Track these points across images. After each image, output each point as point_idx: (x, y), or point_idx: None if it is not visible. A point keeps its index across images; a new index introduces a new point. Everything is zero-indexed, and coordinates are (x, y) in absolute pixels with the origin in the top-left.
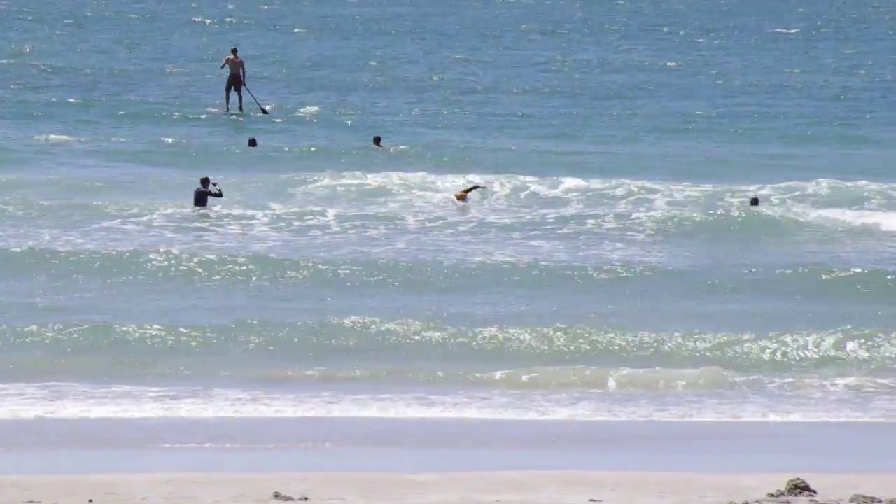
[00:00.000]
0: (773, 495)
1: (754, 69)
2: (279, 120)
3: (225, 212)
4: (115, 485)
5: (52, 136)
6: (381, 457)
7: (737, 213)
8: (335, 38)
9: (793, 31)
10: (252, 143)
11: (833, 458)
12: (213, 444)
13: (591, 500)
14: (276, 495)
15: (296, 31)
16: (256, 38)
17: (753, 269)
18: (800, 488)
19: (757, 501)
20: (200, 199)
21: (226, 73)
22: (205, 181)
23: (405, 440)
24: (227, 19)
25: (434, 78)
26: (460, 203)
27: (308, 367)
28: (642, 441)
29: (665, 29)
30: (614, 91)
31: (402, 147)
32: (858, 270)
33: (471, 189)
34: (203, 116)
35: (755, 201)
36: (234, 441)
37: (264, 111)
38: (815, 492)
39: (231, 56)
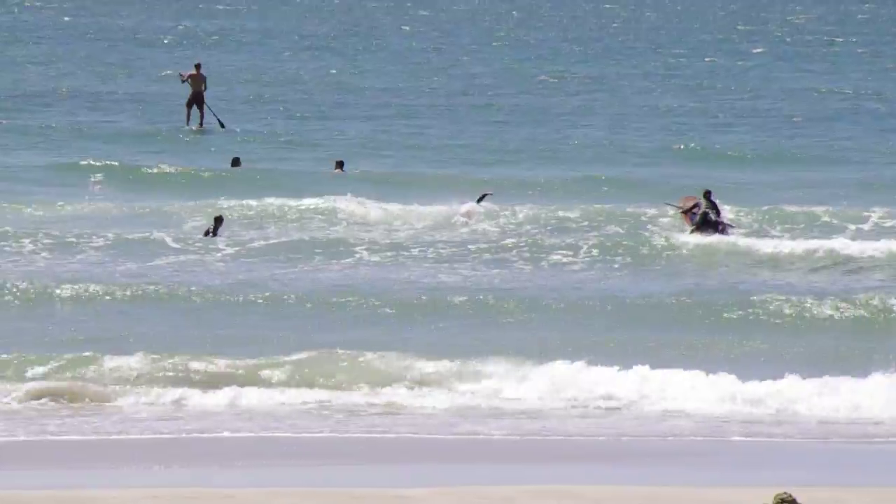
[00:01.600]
0: None
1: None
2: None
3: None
4: (99, 501)
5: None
6: (368, 471)
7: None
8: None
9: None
10: (235, 163)
11: (821, 473)
12: (201, 460)
13: None
14: None
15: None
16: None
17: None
18: (787, 503)
19: None
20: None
21: (188, 88)
22: (218, 219)
23: (392, 455)
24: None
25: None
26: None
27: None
28: (629, 455)
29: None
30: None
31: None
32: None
33: (482, 198)
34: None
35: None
36: (222, 457)
37: (222, 125)
38: None
39: (194, 71)
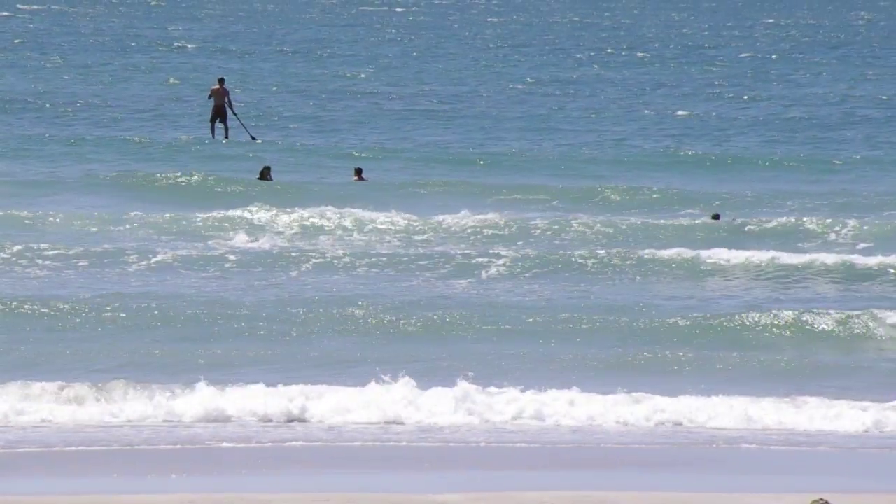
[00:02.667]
0: None
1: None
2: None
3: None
4: None
5: None
6: (401, 477)
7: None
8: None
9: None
10: (265, 173)
11: (855, 479)
12: (235, 466)
13: None
14: None
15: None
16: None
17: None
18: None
19: None
20: None
21: (211, 103)
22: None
23: (424, 461)
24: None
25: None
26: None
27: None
28: (659, 460)
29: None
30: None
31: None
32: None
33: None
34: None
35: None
36: (255, 462)
37: (254, 139)
38: None
39: (216, 86)
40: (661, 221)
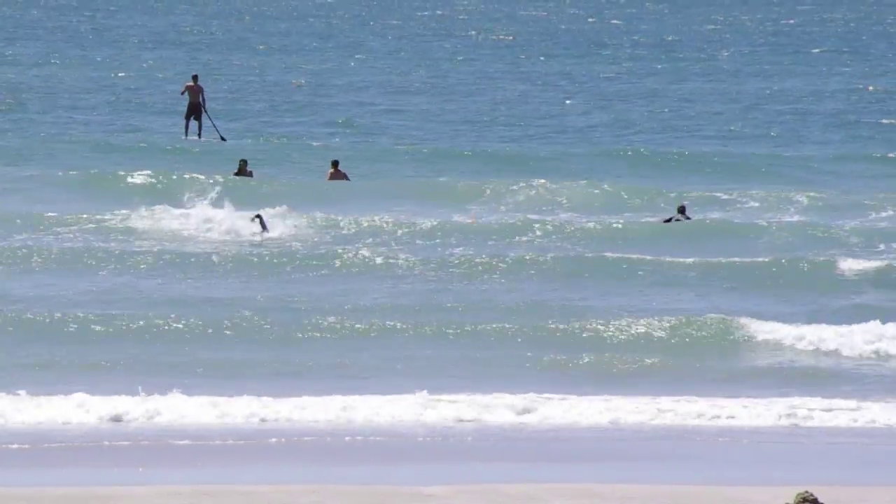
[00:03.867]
0: None
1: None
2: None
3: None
4: (121, 498)
5: None
6: (390, 469)
7: None
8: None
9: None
10: (242, 167)
11: (843, 472)
12: (222, 456)
13: None
14: None
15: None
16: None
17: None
18: (809, 502)
19: None
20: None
21: (185, 100)
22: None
23: (415, 452)
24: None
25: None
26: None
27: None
28: (648, 453)
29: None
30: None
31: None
32: None
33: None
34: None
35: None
36: (243, 453)
37: (223, 139)
38: None
39: (191, 83)
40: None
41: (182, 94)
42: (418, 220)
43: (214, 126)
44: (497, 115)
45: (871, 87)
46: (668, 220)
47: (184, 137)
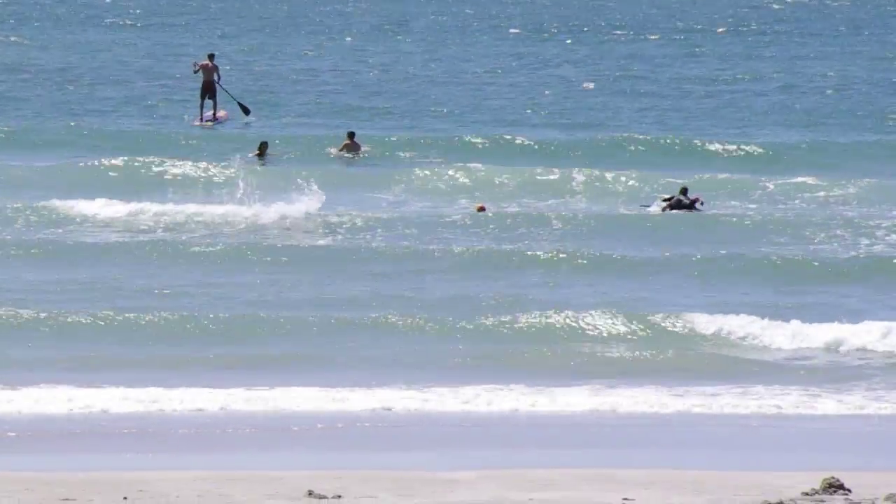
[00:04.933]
0: (807, 494)
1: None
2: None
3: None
4: (149, 482)
5: None
6: (414, 454)
7: None
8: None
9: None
10: (263, 148)
11: (868, 456)
12: (248, 441)
13: (625, 499)
14: (310, 493)
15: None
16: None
17: None
18: (834, 487)
19: (791, 500)
20: None
21: (199, 79)
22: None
23: (439, 438)
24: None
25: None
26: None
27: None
28: (674, 438)
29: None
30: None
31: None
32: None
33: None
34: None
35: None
36: (268, 438)
37: (246, 111)
38: (849, 490)
39: (206, 61)
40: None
41: (196, 72)
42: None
43: (235, 99)
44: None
45: None
46: (670, 199)
47: (198, 123)
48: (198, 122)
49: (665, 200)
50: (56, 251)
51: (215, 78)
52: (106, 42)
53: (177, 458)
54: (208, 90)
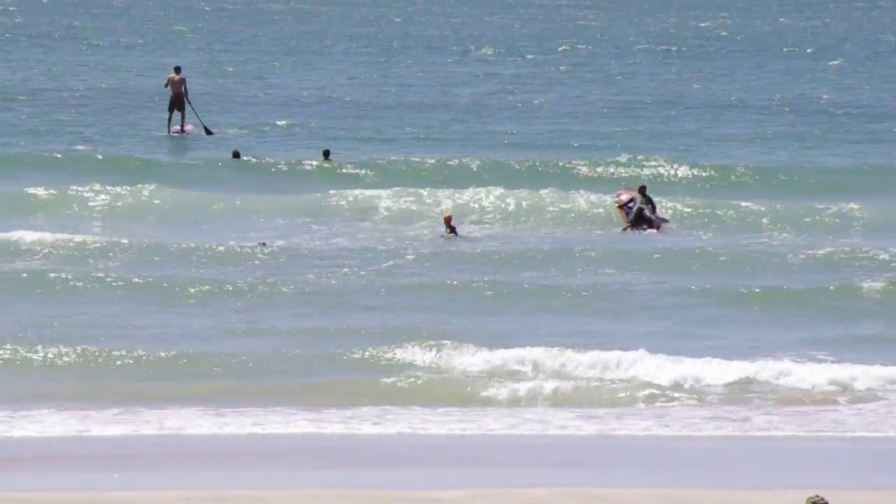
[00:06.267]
0: None
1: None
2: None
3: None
4: (134, 502)
5: None
6: (402, 474)
7: None
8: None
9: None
10: (235, 155)
11: (853, 475)
12: (229, 462)
13: None
14: None
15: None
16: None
17: None
18: None
19: None
20: None
21: (168, 92)
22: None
23: (426, 457)
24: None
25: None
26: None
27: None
28: (653, 458)
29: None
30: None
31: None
32: None
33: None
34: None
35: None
36: (250, 459)
37: (209, 132)
38: None
39: (173, 75)
40: None
41: (165, 86)
42: None
43: (199, 119)
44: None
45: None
46: (630, 202)
47: (166, 133)
48: (166, 133)
49: (621, 207)
50: None
51: (183, 90)
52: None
53: (160, 477)
54: (176, 103)
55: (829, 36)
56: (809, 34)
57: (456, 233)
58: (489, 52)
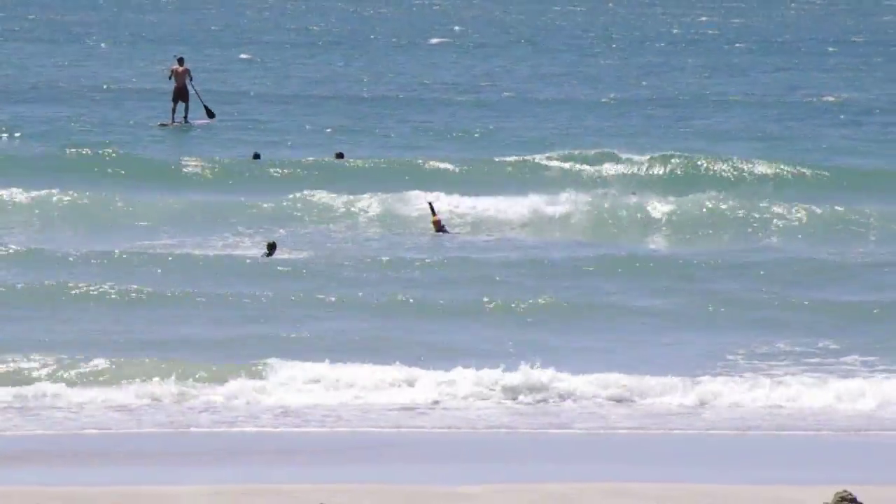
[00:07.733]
0: None
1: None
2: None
3: None
4: (163, 497)
5: None
6: (424, 469)
7: None
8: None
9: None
10: (256, 156)
11: (882, 471)
12: (259, 456)
13: None
14: None
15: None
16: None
17: None
18: (847, 501)
19: None
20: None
21: (171, 84)
22: (272, 246)
23: (448, 452)
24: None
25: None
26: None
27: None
28: (686, 453)
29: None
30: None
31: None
32: None
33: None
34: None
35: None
36: (279, 453)
37: (211, 115)
38: None
39: (176, 66)
40: None
41: (169, 78)
42: None
43: (203, 102)
44: None
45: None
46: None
47: (170, 123)
48: (169, 124)
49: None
50: None
51: (188, 79)
52: None
53: (190, 471)
54: (180, 94)
55: None
56: None
57: (445, 230)
58: (525, 49)
